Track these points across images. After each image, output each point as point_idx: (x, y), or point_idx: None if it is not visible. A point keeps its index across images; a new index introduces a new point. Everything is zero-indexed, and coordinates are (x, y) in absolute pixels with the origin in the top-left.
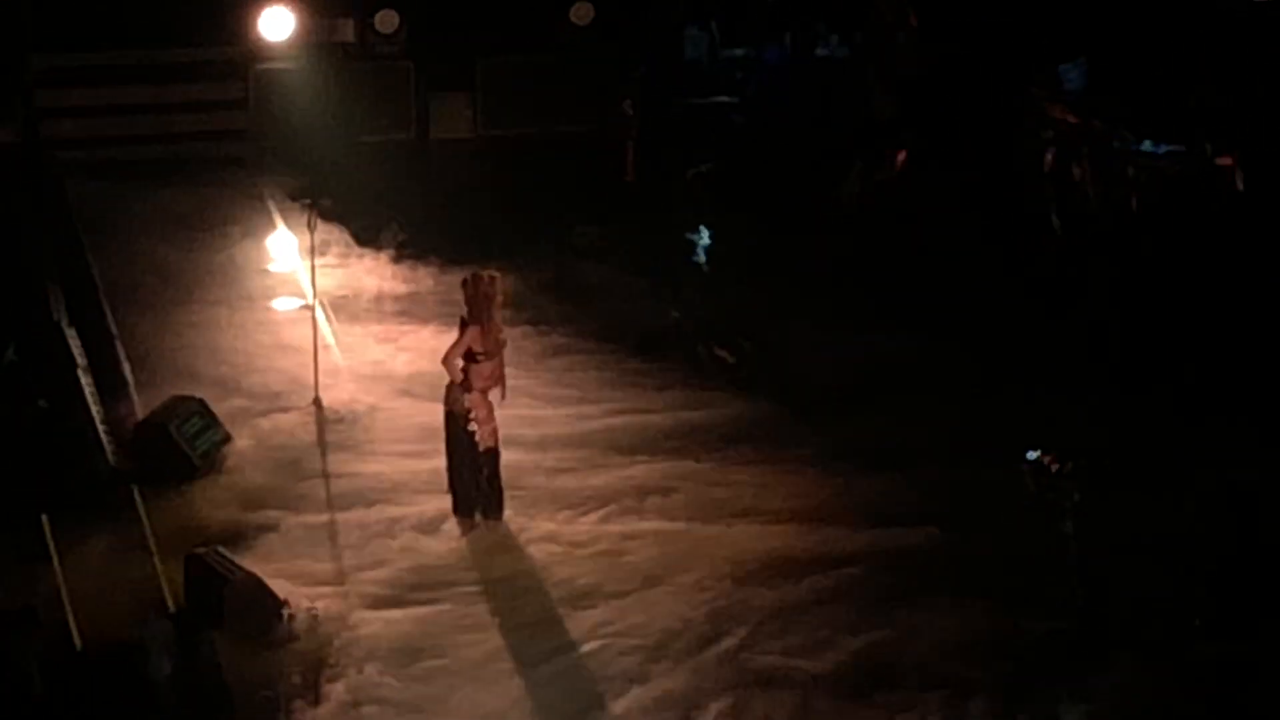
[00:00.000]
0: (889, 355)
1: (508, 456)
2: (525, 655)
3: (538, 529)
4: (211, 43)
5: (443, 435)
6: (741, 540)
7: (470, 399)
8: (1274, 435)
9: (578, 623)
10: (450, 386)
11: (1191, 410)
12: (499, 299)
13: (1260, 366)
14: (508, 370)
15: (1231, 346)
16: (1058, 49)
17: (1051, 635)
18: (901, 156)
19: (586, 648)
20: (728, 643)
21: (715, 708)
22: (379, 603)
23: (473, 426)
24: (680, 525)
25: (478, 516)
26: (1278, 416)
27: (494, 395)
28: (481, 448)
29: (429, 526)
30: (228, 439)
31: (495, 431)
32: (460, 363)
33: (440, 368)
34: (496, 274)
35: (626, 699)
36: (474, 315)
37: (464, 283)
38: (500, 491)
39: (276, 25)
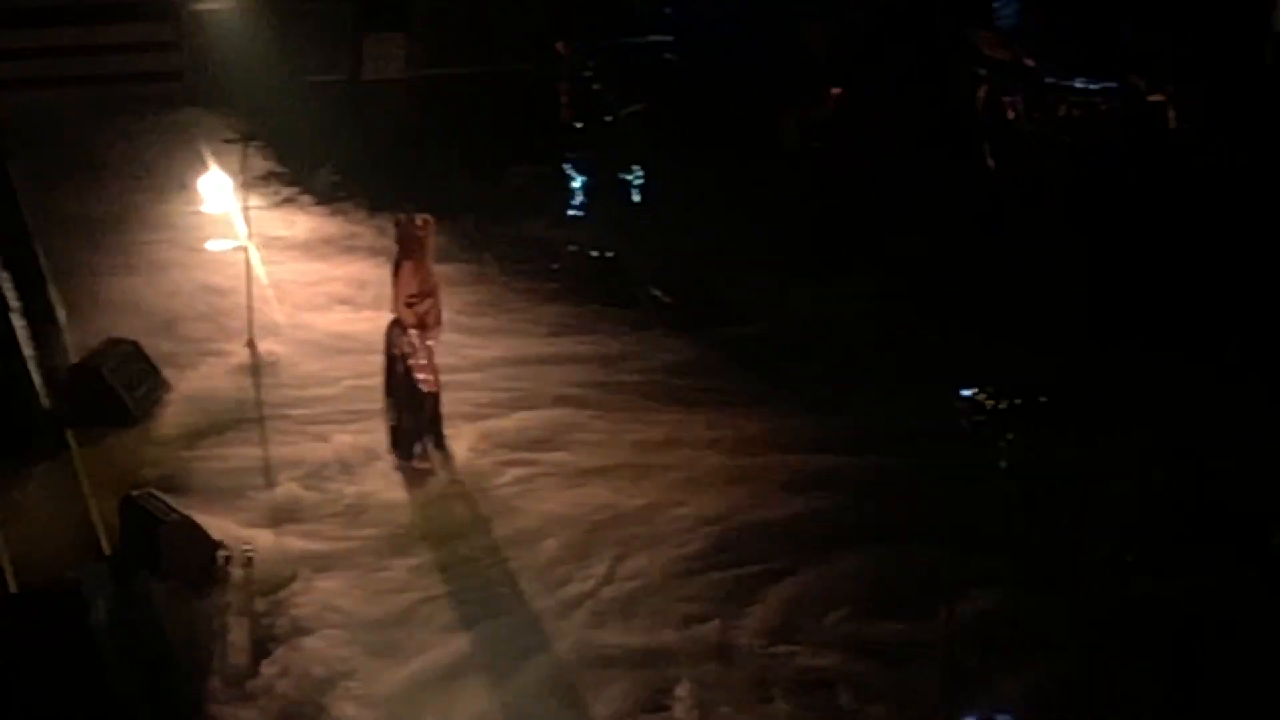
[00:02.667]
0: (828, 298)
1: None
2: (458, 590)
3: (463, 465)
4: None
5: (380, 376)
6: (659, 473)
7: (410, 340)
8: (1207, 371)
9: (498, 550)
10: (391, 329)
11: (1132, 352)
12: (431, 241)
13: (1194, 304)
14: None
15: (1169, 284)
16: None
17: (988, 571)
18: (837, 95)
19: (504, 569)
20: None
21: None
22: (314, 542)
23: (418, 373)
24: (602, 460)
25: (418, 450)
26: (1211, 353)
27: (432, 336)
28: (425, 389)
29: (364, 465)
30: (162, 381)
31: (435, 372)
32: (408, 307)
33: (374, 311)
34: (428, 217)
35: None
36: (405, 255)
37: (396, 224)
38: (440, 428)
39: None
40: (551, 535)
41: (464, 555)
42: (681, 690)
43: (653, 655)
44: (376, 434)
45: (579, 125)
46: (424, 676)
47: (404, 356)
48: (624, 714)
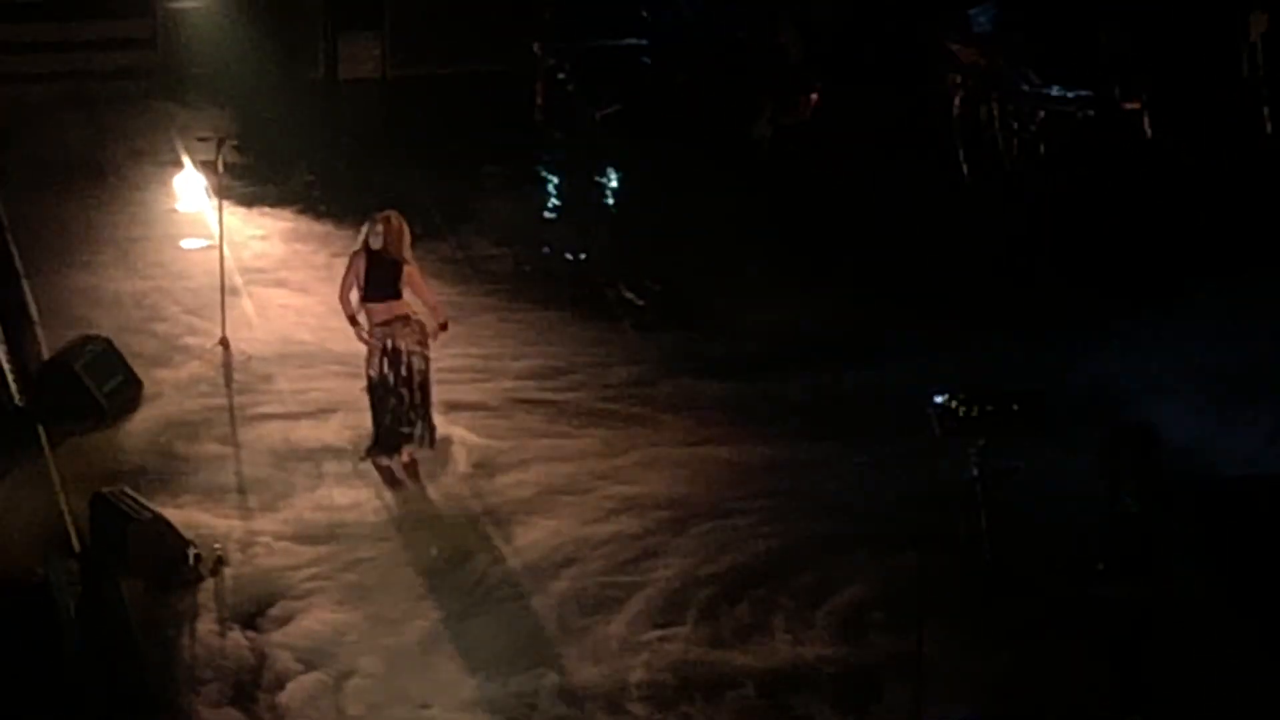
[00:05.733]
0: (801, 303)
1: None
2: (438, 588)
3: (433, 467)
4: None
5: (360, 373)
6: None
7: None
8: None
9: (476, 556)
10: (394, 325)
11: (1104, 358)
12: (407, 238)
13: (1169, 311)
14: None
15: (1143, 291)
16: None
17: (956, 576)
18: (812, 99)
19: (484, 578)
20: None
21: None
22: (287, 542)
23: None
24: (570, 468)
25: (406, 451)
26: (1186, 359)
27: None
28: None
29: (338, 465)
30: (134, 379)
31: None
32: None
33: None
34: (398, 216)
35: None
36: (399, 251)
37: (378, 220)
38: (430, 423)
39: None
40: (525, 534)
41: (444, 552)
42: None
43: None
44: (351, 431)
45: (553, 126)
46: (398, 662)
47: (409, 353)
48: None
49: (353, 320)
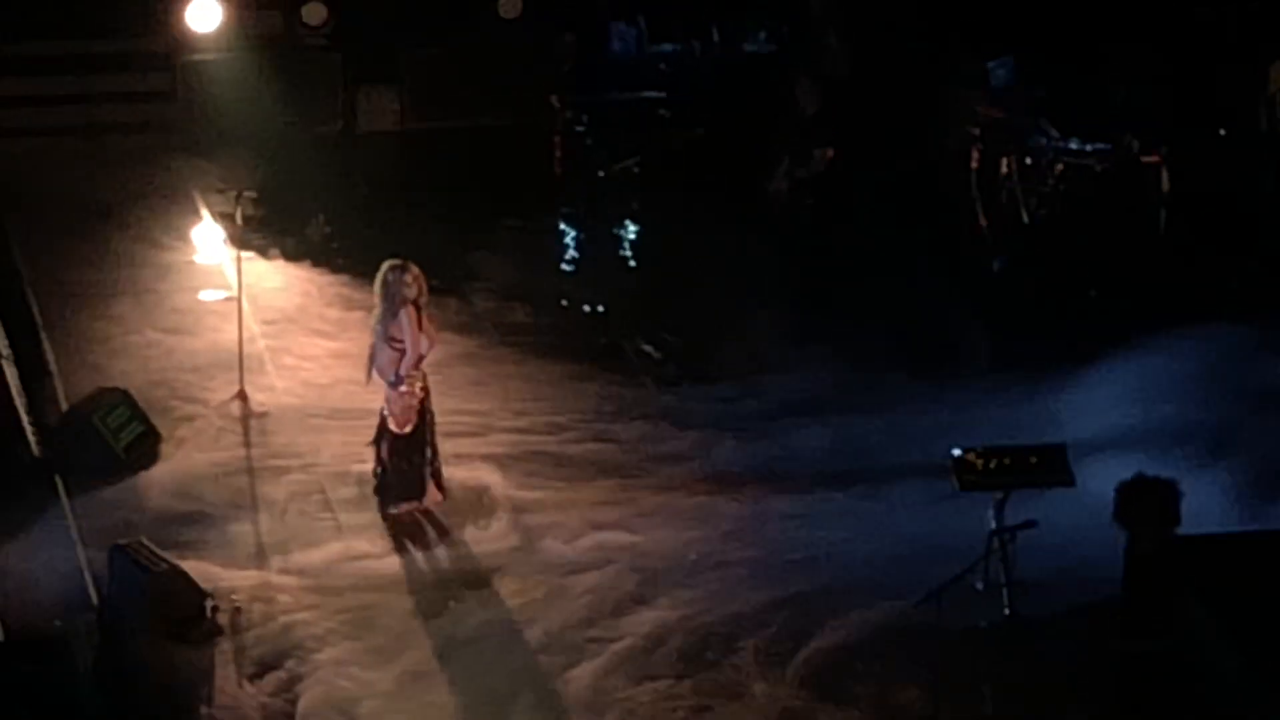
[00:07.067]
0: (817, 357)
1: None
2: (459, 641)
3: (450, 517)
4: (138, 34)
5: (373, 427)
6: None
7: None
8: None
9: (497, 604)
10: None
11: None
12: (423, 289)
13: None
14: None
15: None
16: (985, 47)
17: (974, 629)
18: (828, 153)
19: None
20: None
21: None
22: (306, 594)
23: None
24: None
25: (423, 502)
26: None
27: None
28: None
29: (356, 517)
30: (152, 431)
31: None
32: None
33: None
34: (413, 267)
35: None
36: (404, 304)
37: (403, 271)
38: (425, 477)
39: (204, 17)
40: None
41: (450, 605)
42: None
43: None
44: (368, 483)
45: (571, 179)
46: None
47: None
48: None
49: (410, 376)
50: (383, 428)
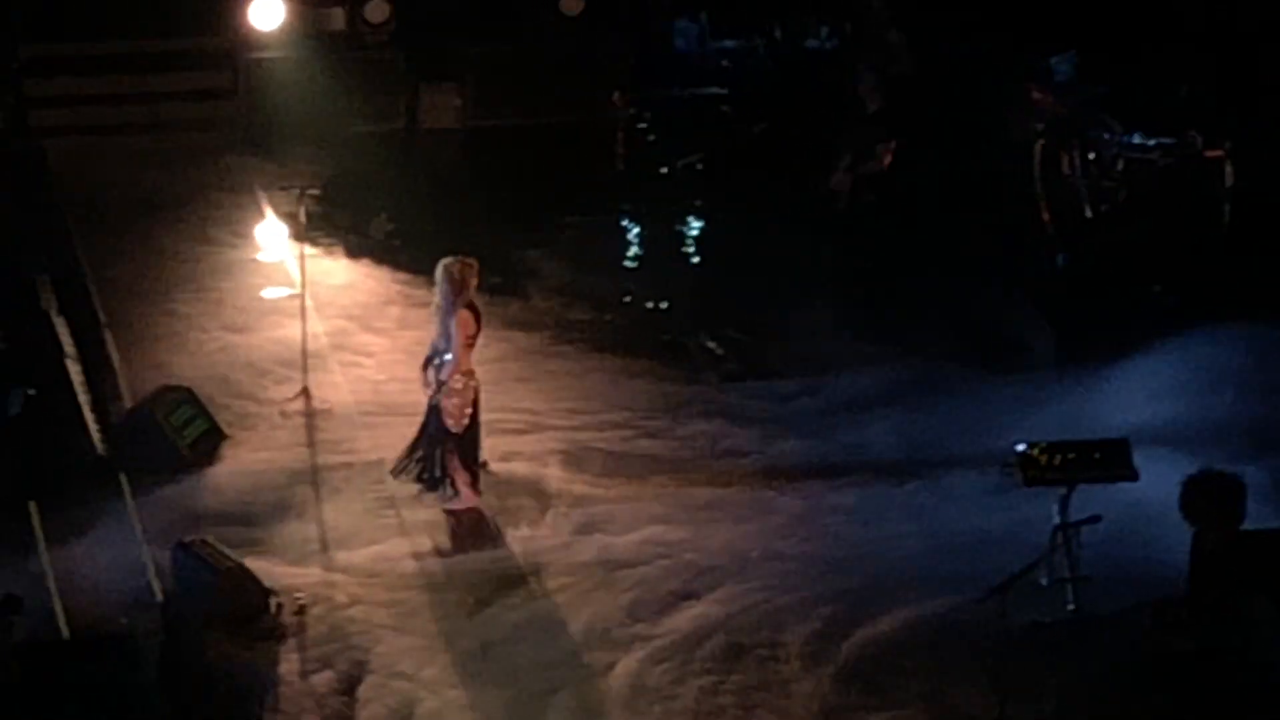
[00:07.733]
0: (879, 351)
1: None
2: (500, 642)
3: (507, 513)
4: (201, 32)
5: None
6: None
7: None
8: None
9: (544, 598)
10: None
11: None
12: (473, 283)
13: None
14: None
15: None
16: (1048, 42)
17: (1038, 624)
18: (890, 149)
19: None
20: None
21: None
22: (364, 591)
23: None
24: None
25: (449, 491)
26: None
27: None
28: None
29: (421, 513)
30: (215, 428)
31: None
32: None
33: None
34: (471, 261)
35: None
36: (458, 299)
37: (469, 267)
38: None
39: (266, 14)
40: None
41: (529, 607)
42: None
43: None
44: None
45: (633, 176)
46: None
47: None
48: None
49: (470, 372)
50: (427, 425)
